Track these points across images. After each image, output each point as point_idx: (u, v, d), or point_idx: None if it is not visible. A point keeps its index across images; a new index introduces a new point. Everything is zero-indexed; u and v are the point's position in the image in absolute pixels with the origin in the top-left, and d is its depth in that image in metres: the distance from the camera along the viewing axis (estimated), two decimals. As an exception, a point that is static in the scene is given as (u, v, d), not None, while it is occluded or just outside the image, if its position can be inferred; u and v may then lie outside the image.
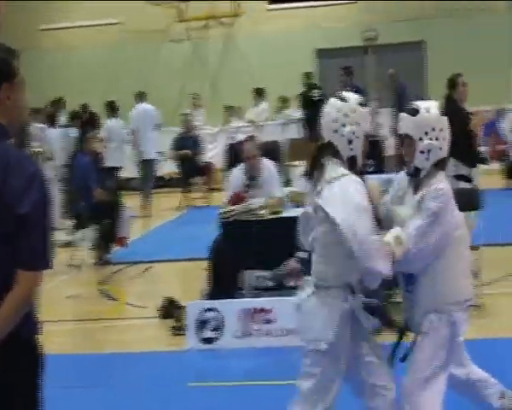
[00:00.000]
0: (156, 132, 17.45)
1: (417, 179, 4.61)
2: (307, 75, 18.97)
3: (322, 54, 21.83)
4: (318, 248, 4.51)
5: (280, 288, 8.23)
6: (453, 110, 9.57)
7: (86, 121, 16.19)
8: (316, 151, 4.59)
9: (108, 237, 12.11)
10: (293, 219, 7.99)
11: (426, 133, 4.53)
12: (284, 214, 8.54)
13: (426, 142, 4.52)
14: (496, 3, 20.93)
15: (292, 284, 8.04)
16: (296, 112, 20.34)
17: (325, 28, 21.66)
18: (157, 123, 17.51)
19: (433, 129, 4.55)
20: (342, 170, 4.44)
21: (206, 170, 18.15)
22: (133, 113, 17.15)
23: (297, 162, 16.02)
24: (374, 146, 17.82)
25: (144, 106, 17.30)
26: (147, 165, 17.10)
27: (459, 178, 9.46)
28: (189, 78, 22.25)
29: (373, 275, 4.42)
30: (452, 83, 9.93)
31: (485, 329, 7.79)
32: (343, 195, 4.35)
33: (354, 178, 4.43)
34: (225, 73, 22.32)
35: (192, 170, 17.83)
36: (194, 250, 11.61)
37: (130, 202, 13.46)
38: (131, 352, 8.00)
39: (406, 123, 4.60)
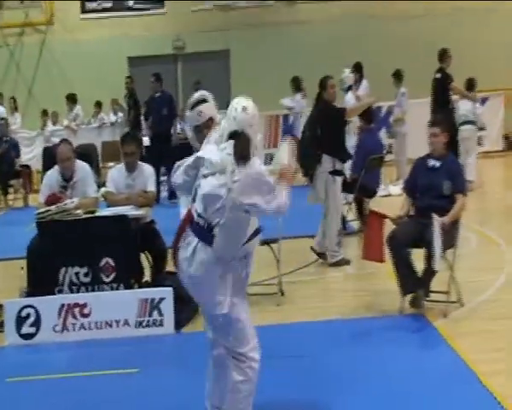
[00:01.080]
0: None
1: None
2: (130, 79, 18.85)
3: (134, 62, 21.73)
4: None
5: (96, 283, 8.16)
6: (325, 109, 9.81)
7: None
8: None
9: None
10: (107, 218, 8.09)
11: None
12: (98, 213, 8.47)
13: None
14: (290, 17, 21.55)
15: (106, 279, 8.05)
16: (110, 116, 20.25)
17: (136, 37, 21.57)
18: None
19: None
20: None
21: (22, 173, 17.72)
22: None
23: (111, 163, 15.92)
24: (186, 148, 18.01)
25: None
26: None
27: (335, 173, 9.68)
28: (6, 83, 21.60)
29: None
30: (323, 84, 10.06)
31: (284, 314, 8.07)
32: None
33: None
34: (41, 79, 21.81)
35: (9, 173, 17.41)
36: (12, 250, 11.30)
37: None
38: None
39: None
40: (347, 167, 10.95)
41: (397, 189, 14.22)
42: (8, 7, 21.50)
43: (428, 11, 21.02)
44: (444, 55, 14.98)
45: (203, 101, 5.47)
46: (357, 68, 15.46)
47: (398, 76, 15.98)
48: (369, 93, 15.10)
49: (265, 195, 4.68)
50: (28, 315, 7.64)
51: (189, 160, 5.00)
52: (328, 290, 9.00)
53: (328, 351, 6.89)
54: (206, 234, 4.67)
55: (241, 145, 4.72)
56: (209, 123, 5.39)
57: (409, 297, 7.74)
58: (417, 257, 7.73)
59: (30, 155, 19.56)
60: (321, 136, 9.68)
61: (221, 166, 4.69)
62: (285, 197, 4.77)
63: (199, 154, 4.93)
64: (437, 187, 7.82)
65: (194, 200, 4.81)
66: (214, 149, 4.84)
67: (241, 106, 4.83)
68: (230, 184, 4.62)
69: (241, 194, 4.63)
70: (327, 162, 9.65)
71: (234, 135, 4.77)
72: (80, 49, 21.28)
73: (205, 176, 4.76)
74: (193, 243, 4.73)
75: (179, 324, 7.74)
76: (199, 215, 4.70)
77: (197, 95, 5.53)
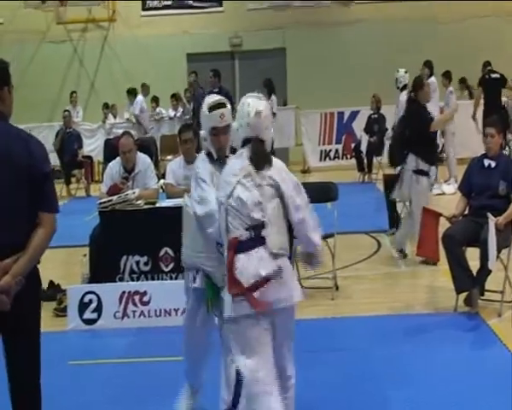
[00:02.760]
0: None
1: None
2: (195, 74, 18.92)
3: (193, 58, 21.79)
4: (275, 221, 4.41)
5: (156, 272, 8.20)
6: (416, 112, 9.76)
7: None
8: None
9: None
10: (167, 209, 8.11)
11: None
12: (158, 205, 8.51)
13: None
14: (346, 16, 21.43)
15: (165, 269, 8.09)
16: (169, 110, 20.35)
17: (194, 34, 21.63)
18: None
19: None
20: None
21: (84, 163, 17.95)
22: None
23: (169, 156, 15.99)
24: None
25: None
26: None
27: (419, 172, 9.58)
28: (69, 77, 21.86)
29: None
30: (418, 85, 9.97)
31: (341, 308, 8.02)
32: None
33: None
34: (103, 73, 22.01)
35: (72, 163, 17.65)
36: (74, 238, 11.43)
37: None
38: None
39: None
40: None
41: (450, 187, 14.06)
42: (72, 3, 21.70)
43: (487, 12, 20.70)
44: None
45: (224, 105, 5.11)
46: (427, 65, 15.42)
47: (447, 76, 15.89)
48: (434, 89, 15.03)
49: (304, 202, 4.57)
50: (90, 301, 7.70)
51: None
52: (382, 286, 8.90)
53: (381, 346, 6.82)
54: (256, 241, 4.37)
55: (259, 152, 4.51)
56: (226, 129, 5.06)
57: (463, 296, 7.62)
58: (472, 256, 7.61)
59: (92, 146, 19.75)
60: (408, 136, 9.61)
61: (246, 172, 4.46)
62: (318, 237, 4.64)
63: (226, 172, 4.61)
64: (492, 187, 7.72)
65: (227, 230, 4.45)
66: (232, 161, 4.62)
67: (255, 111, 4.52)
68: (261, 181, 4.42)
69: (289, 189, 4.50)
70: (411, 161, 9.59)
71: (248, 141, 4.54)
72: (140, 46, 21.40)
73: (229, 194, 4.45)
74: (247, 256, 4.37)
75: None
76: (245, 228, 4.39)
77: (217, 97, 5.17)
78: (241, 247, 4.35)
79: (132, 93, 18.79)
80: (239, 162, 4.51)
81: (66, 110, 18.79)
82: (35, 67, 21.31)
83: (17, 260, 3.95)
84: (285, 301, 4.43)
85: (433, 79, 15.34)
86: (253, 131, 4.52)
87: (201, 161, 5.15)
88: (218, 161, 5.05)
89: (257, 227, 4.37)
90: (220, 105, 5.05)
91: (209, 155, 5.11)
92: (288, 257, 4.51)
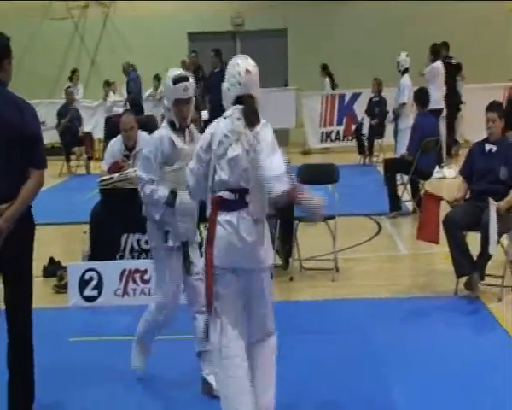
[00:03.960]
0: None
1: None
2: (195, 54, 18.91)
3: (194, 37, 21.71)
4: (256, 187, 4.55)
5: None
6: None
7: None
8: None
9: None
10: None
11: None
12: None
13: None
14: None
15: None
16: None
17: (195, 13, 21.52)
18: None
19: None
20: None
21: (85, 140, 17.86)
22: None
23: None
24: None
25: None
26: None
27: None
28: (70, 54, 21.78)
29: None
30: None
31: (341, 290, 8.03)
32: None
33: None
34: (104, 51, 21.93)
35: (72, 140, 17.60)
36: (73, 215, 11.43)
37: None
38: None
39: None
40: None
41: (451, 171, 14.06)
42: (73, -20, 21.60)
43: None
44: None
45: (188, 79, 5.47)
46: (433, 50, 15.39)
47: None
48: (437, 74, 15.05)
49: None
50: (91, 278, 7.70)
51: (199, 146, 4.75)
52: (382, 269, 8.91)
53: (380, 328, 6.83)
54: (240, 203, 4.57)
55: (251, 108, 4.66)
56: (189, 100, 5.44)
57: (463, 279, 7.63)
58: (473, 240, 7.61)
59: (92, 125, 19.69)
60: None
61: (237, 134, 4.59)
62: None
63: (208, 132, 4.70)
64: (493, 172, 7.72)
65: (213, 189, 4.64)
66: (221, 122, 4.68)
67: (245, 69, 4.69)
68: (248, 147, 4.56)
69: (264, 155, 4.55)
70: None
71: (240, 98, 4.67)
72: (142, 24, 21.32)
73: (221, 155, 4.60)
74: (232, 217, 4.57)
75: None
76: (229, 190, 4.57)
77: (180, 71, 5.53)
78: (224, 205, 4.57)
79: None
80: (229, 123, 4.62)
81: (68, 87, 18.74)
82: (36, 43, 21.21)
83: (10, 206, 4.56)
84: (259, 263, 4.65)
85: (438, 63, 15.31)
86: (245, 88, 4.68)
87: (155, 140, 5.52)
88: (181, 130, 5.44)
89: (241, 191, 4.58)
90: (184, 78, 5.43)
91: (171, 124, 5.46)
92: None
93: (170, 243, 5.51)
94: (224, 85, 4.76)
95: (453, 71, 16.29)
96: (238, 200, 4.57)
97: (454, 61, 16.65)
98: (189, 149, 5.31)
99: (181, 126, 5.45)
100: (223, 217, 4.56)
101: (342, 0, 21.02)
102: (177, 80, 5.40)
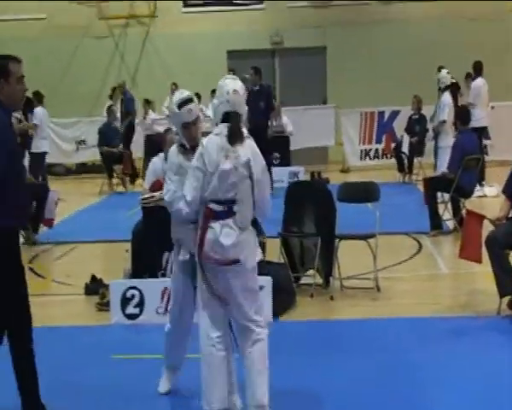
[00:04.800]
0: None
1: None
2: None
3: (233, 55, 21.87)
4: (246, 199, 5.18)
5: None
6: None
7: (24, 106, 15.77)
8: None
9: (36, 219, 11.92)
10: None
11: None
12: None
13: None
14: (387, 15, 21.33)
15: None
16: (209, 107, 20.42)
17: (235, 31, 21.70)
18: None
19: None
20: None
21: (124, 157, 17.99)
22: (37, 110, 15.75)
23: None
24: (280, 141, 18.12)
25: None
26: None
27: None
28: (111, 72, 22.06)
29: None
30: None
31: (381, 309, 8.02)
32: None
33: None
34: (143, 69, 22.19)
35: (113, 158, 17.76)
36: (114, 233, 11.57)
37: (56, 186, 13.25)
38: (58, 326, 7.90)
39: None
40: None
41: (492, 189, 13.97)
42: (114, -1, 21.90)
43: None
44: None
45: (191, 100, 5.60)
46: (474, 67, 15.35)
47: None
48: (478, 92, 15.00)
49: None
50: (133, 296, 7.77)
51: (196, 163, 5.22)
52: (423, 288, 8.88)
53: (422, 348, 6.81)
54: (227, 213, 5.15)
55: (236, 126, 5.21)
56: (196, 121, 5.59)
57: (506, 299, 7.58)
58: (516, 260, 7.57)
59: (132, 143, 19.83)
60: None
61: (225, 151, 5.15)
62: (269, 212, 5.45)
63: (202, 149, 5.20)
64: (537, 190, 7.66)
65: (206, 201, 5.17)
66: (211, 138, 5.20)
67: (232, 89, 5.23)
68: (236, 163, 5.13)
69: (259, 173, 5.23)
70: None
71: (227, 115, 5.21)
72: (181, 42, 21.54)
73: (212, 172, 5.13)
74: (216, 225, 5.14)
75: (277, 312, 7.77)
76: (218, 202, 5.14)
77: (185, 94, 5.62)
78: (214, 216, 5.15)
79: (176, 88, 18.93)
80: (219, 141, 5.17)
81: (111, 105, 18.96)
82: (77, 62, 21.53)
83: None
84: (236, 265, 5.19)
85: (477, 81, 15.26)
86: (232, 106, 5.22)
87: (171, 154, 5.72)
88: (192, 150, 5.50)
89: (229, 202, 5.15)
90: (187, 101, 5.57)
91: (182, 146, 5.64)
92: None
93: (181, 256, 5.69)
94: (215, 102, 5.29)
95: (453, 91, 16.04)
96: (226, 210, 5.15)
97: (454, 80, 16.49)
98: None
99: (191, 147, 5.56)
100: (211, 225, 5.14)
101: (380, 20, 21.09)
102: (181, 104, 5.54)
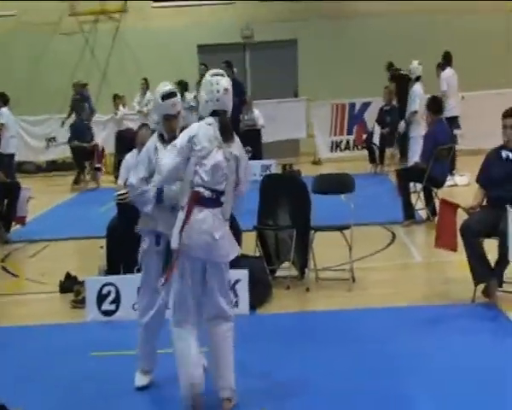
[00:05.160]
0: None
1: None
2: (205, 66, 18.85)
3: (204, 49, 21.78)
4: (230, 193, 5.36)
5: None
6: None
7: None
8: None
9: (7, 217, 11.81)
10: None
11: None
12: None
13: None
14: (357, 8, 21.36)
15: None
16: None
17: (205, 25, 21.61)
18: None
19: None
20: None
21: (93, 152, 17.82)
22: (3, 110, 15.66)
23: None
24: (252, 135, 18.09)
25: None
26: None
27: None
28: (80, 68, 21.87)
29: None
30: None
31: (357, 299, 8.03)
32: None
33: None
34: (114, 64, 22.01)
35: (83, 154, 17.65)
36: (87, 229, 11.49)
37: (26, 184, 13.12)
38: (33, 325, 7.82)
39: None
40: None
41: (463, 179, 14.05)
42: (84, -6, 21.71)
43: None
44: None
45: (175, 94, 5.76)
46: (444, 57, 15.45)
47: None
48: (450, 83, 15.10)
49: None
50: (109, 293, 7.73)
51: (181, 143, 5.31)
52: (398, 278, 8.92)
53: (398, 337, 6.83)
54: (216, 202, 5.25)
55: (226, 124, 5.32)
56: (177, 115, 5.76)
57: (481, 287, 7.62)
58: (490, 247, 7.60)
59: (102, 138, 19.70)
60: None
61: (219, 142, 5.25)
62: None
63: (191, 133, 5.30)
64: (511, 178, 7.69)
65: (192, 186, 5.26)
66: (203, 126, 5.29)
67: (224, 88, 5.31)
68: (228, 155, 5.27)
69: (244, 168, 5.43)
70: None
71: (216, 113, 5.31)
72: (152, 37, 21.40)
73: (203, 157, 5.23)
74: (207, 214, 5.24)
75: (254, 305, 7.75)
76: (208, 189, 5.23)
77: (168, 87, 5.77)
78: (201, 201, 5.21)
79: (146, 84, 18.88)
80: (211, 131, 5.25)
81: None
82: (47, 58, 21.31)
83: None
84: (223, 258, 5.32)
85: (447, 71, 15.35)
86: (222, 105, 5.32)
87: (147, 148, 5.83)
88: (169, 141, 5.62)
89: (218, 192, 5.26)
90: (172, 94, 5.72)
91: (161, 136, 5.79)
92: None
93: (161, 246, 5.76)
94: (203, 97, 5.34)
95: (404, 82, 16.30)
96: (215, 198, 5.25)
97: (403, 72, 16.79)
98: None
99: (169, 138, 5.70)
100: (199, 212, 5.21)
101: (351, 13, 21.13)
102: (165, 96, 5.70)
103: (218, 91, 5.28)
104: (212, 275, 5.32)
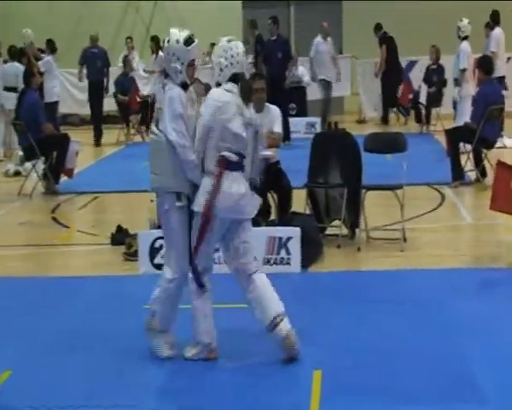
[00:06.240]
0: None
1: None
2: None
3: (248, 4, 21.52)
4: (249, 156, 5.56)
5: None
6: None
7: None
8: None
9: (56, 169, 11.85)
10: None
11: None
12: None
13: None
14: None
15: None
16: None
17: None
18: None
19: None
20: None
21: (141, 107, 17.77)
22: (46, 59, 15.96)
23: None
24: (297, 92, 17.92)
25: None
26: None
27: None
28: (124, 23, 21.77)
29: None
30: None
31: (408, 260, 7.93)
32: None
33: None
34: (158, 20, 21.86)
35: (129, 108, 17.60)
36: (134, 183, 11.44)
37: (75, 136, 13.13)
38: (86, 275, 7.84)
39: None
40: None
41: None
42: None
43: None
44: None
45: (194, 37, 5.52)
46: (492, 16, 15.09)
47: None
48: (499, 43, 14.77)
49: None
50: (161, 246, 7.68)
51: (208, 113, 5.38)
52: (449, 239, 8.80)
53: (450, 299, 6.72)
54: (240, 165, 5.46)
55: (247, 87, 5.52)
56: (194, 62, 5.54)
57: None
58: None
59: (146, 92, 19.62)
60: None
61: (240, 108, 5.40)
62: None
63: (217, 101, 5.38)
64: None
65: (219, 150, 5.39)
66: (224, 94, 5.41)
67: (242, 51, 5.48)
68: (248, 121, 5.44)
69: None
70: None
71: (236, 77, 5.43)
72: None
73: (226, 121, 5.36)
74: (235, 176, 5.43)
75: (305, 263, 7.69)
76: (234, 153, 5.40)
77: (186, 32, 5.48)
78: (230, 165, 5.40)
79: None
80: (233, 98, 5.41)
81: (125, 55, 18.73)
82: (90, 12, 21.22)
83: None
84: (249, 215, 5.57)
85: (496, 30, 15.00)
86: (241, 67, 5.48)
87: (178, 96, 5.46)
88: (187, 89, 5.54)
89: (241, 156, 5.46)
90: (192, 37, 5.50)
91: (184, 85, 5.51)
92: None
93: (182, 202, 5.52)
94: (222, 63, 5.41)
95: (393, 45, 16.17)
96: (239, 161, 5.45)
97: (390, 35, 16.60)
98: (191, 110, 5.54)
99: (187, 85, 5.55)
100: (227, 176, 5.40)
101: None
102: (190, 41, 5.46)
103: (238, 55, 5.44)
104: (235, 233, 5.52)
